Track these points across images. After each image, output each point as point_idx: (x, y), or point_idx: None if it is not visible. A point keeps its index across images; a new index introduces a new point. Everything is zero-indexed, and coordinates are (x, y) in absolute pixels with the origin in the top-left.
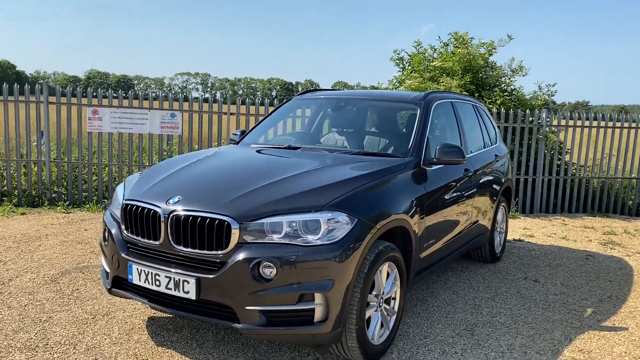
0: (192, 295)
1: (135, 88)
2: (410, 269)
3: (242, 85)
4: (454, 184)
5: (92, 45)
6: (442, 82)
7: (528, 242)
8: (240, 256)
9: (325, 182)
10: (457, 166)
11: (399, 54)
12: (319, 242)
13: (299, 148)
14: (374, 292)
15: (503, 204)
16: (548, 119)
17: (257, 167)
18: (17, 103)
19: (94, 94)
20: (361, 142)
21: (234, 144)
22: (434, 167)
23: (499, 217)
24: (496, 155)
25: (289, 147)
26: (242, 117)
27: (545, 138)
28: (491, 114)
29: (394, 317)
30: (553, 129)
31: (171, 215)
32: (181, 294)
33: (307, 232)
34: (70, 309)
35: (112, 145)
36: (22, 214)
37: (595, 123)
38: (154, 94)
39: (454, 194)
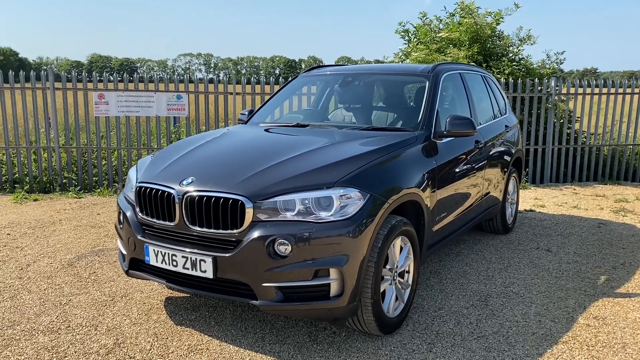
0: (210, 274)
1: (139, 71)
2: (423, 242)
3: (245, 64)
4: (465, 156)
5: (93, 29)
6: (449, 53)
7: (539, 212)
8: (255, 234)
9: (336, 159)
10: (468, 138)
11: (404, 26)
12: (332, 219)
13: (308, 125)
14: (387, 266)
15: (514, 174)
16: (557, 88)
17: (267, 146)
18: (24, 90)
19: (100, 78)
20: (370, 117)
21: (242, 123)
22: (445, 140)
23: (510, 188)
24: (506, 126)
25: (297, 125)
26: (247, 96)
27: (554, 107)
28: (500, 84)
29: (408, 290)
30: (562, 97)
31: (185, 196)
32: (198, 273)
33: (320, 208)
34: (88, 292)
35: (119, 129)
36: (35, 200)
37: (604, 90)
38: (159, 76)
39: (465, 167)
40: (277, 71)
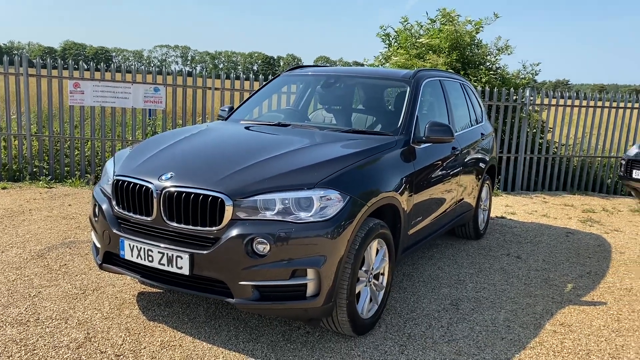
0: (186, 271)
1: (114, 60)
2: (399, 245)
3: (223, 58)
4: (442, 162)
5: (68, 16)
6: (429, 59)
7: (510, 219)
8: (234, 232)
9: (318, 160)
10: (445, 145)
11: (385, 30)
12: (312, 219)
13: (289, 125)
14: (363, 268)
15: (487, 181)
16: (532, 98)
17: (248, 144)
18: None
19: (75, 66)
20: (350, 119)
21: (222, 120)
22: (423, 146)
23: (483, 194)
24: (482, 134)
25: (278, 124)
26: (226, 92)
27: (528, 116)
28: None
29: (382, 292)
30: (536, 107)
31: (164, 191)
32: (174, 270)
33: (299, 209)
34: (59, 284)
35: (94, 120)
36: (4, 188)
37: (577, 102)
38: (137, 68)
39: (442, 172)
40: (255, 67)
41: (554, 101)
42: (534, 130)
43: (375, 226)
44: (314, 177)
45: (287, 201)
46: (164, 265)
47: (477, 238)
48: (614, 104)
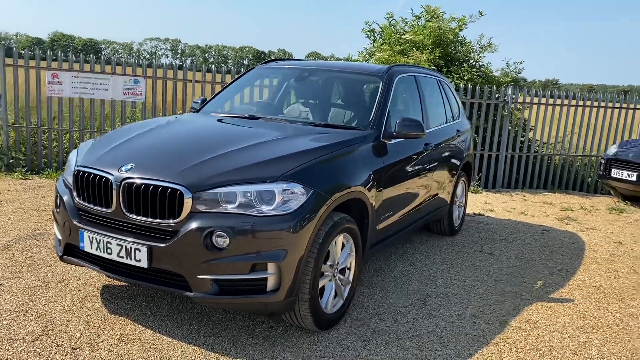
0: (144, 264)
1: (103, 52)
2: (367, 240)
3: (214, 52)
4: (414, 157)
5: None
6: (412, 55)
7: (488, 216)
8: (193, 225)
9: (282, 153)
10: (418, 140)
11: (370, 25)
12: (274, 213)
13: (260, 118)
14: (328, 263)
15: (463, 178)
16: (514, 96)
17: (214, 136)
18: None
19: (54, 57)
20: (323, 113)
21: (194, 112)
22: (394, 141)
23: (459, 191)
24: (458, 131)
25: (249, 117)
26: (207, 85)
27: (510, 115)
28: (458, 90)
29: (348, 287)
30: (518, 106)
31: (123, 182)
32: (133, 262)
33: (261, 202)
34: (22, 277)
35: (73, 111)
36: None
37: (559, 101)
38: (117, 59)
39: (413, 168)
40: (245, 62)
41: (535, 99)
42: (516, 129)
43: (340, 221)
44: (277, 171)
45: (248, 194)
46: (122, 257)
47: (452, 234)
48: (595, 103)
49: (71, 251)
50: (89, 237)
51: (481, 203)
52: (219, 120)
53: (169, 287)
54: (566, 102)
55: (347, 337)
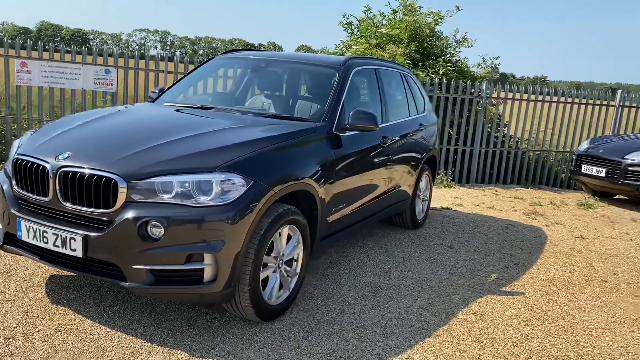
0: (79, 253)
1: (91, 43)
2: (317, 232)
3: (203, 44)
4: (370, 150)
5: None
6: (388, 49)
7: (455, 210)
8: (128, 215)
9: (225, 144)
10: (374, 133)
11: (347, 18)
12: (211, 203)
13: (212, 108)
14: (272, 254)
15: (427, 172)
16: (488, 91)
17: (159, 125)
18: None
19: (23, 45)
20: (277, 105)
21: (150, 101)
22: (348, 133)
23: (422, 185)
24: (421, 124)
25: (202, 107)
26: (179, 75)
27: (484, 110)
28: (433, 84)
29: (295, 279)
30: (493, 101)
31: (59, 171)
32: (68, 252)
33: (199, 192)
34: None
35: (41, 101)
36: None
37: (533, 97)
38: (87, 49)
39: (369, 161)
40: None
41: (510, 95)
42: (490, 124)
43: (285, 212)
44: (216, 161)
45: (186, 184)
46: (58, 247)
47: (414, 227)
48: (570, 100)
49: (11, 240)
50: (26, 226)
51: (452, 197)
52: (171, 110)
53: (104, 276)
54: (540, 97)
55: (290, 328)
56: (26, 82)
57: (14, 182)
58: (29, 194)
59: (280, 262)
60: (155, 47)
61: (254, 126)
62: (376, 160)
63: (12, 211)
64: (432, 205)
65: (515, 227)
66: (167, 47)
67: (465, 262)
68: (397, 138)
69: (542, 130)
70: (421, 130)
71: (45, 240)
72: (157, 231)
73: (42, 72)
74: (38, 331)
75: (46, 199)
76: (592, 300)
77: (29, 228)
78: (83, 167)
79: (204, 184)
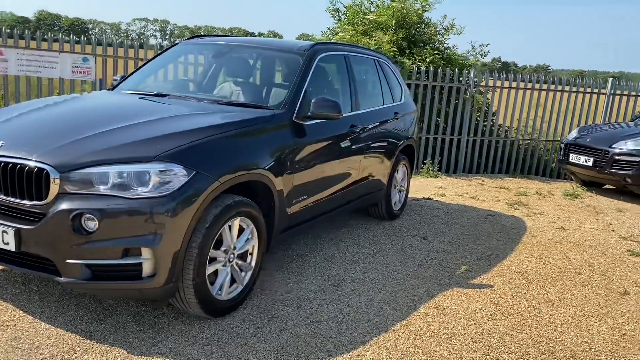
0: (12, 247)
1: (90, 33)
2: (274, 225)
3: (203, 33)
4: (336, 139)
5: None
6: (375, 36)
7: (437, 200)
8: (60, 207)
9: (169, 132)
10: (341, 121)
11: (334, 4)
12: (149, 195)
13: (167, 95)
14: (222, 248)
15: (404, 162)
16: (476, 79)
17: (105, 113)
18: None
19: None
20: (238, 91)
21: (109, 89)
22: (312, 122)
23: (399, 175)
24: (396, 113)
25: (157, 94)
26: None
27: (472, 98)
28: (419, 72)
29: (249, 273)
30: (481, 89)
31: None
32: (1, 245)
33: (137, 183)
34: None
35: (18, 89)
36: None
37: (522, 85)
38: (64, 37)
39: (335, 150)
40: None
41: (498, 83)
42: (478, 113)
43: (234, 204)
44: (155, 150)
45: (123, 175)
46: None
47: (391, 218)
48: (560, 88)
49: None
50: None
51: (435, 187)
52: (123, 98)
53: (39, 271)
54: (530, 85)
55: (241, 324)
56: (1, 71)
57: None
58: None
59: (232, 256)
60: (155, 37)
61: (205, 114)
62: (344, 149)
63: None
64: (414, 195)
65: (495, 218)
66: (167, 37)
67: (437, 254)
68: (369, 127)
69: (532, 118)
70: (396, 119)
71: None
72: (91, 224)
73: (18, 61)
74: None
75: None
76: (562, 294)
77: None
78: (14, 157)
79: (142, 175)
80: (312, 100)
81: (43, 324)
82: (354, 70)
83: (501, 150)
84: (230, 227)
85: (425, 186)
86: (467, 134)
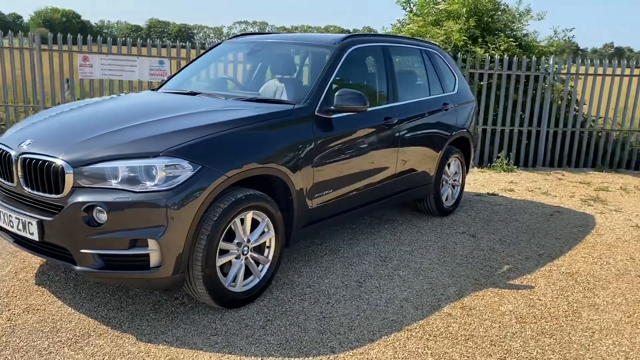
0: (36, 237)
1: (195, 38)
2: (293, 219)
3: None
4: (367, 132)
5: None
6: (445, 26)
7: (502, 196)
8: (74, 200)
9: (180, 128)
10: (372, 114)
11: None
12: (155, 189)
13: (198, 93)
14: (235, 240)
15: (456, 155)
16: (556, 67)
17: (130, 112)
18: (12, 50)
19: (84, 40)
20: (268, 87)
21: (153, 89)
22: (338, 115)
23: (451, 169)
24: (445, 104)
25: (190, 93)
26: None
27: (551, 87)
28: (493, 61)
29: (267, 265)
30: (562, 77)
31: (20, 157)
32: (28, 235)
33: (145, 178)
34: None
35: (104, 93)
36: None
37: (610, 70)
38: (142, 42)
39: (366, 143)
40: None
41: (582, 69)
42: (560, 102)
43: (245, 197)
44: (162, 145)
45: (132, 169)
46: (20, 230)
47: (442, 215)
48: None
49: None
50: None
51: (506, 182)
52: (155, 97)
53: (59, 259)
54: (619, 71)
55: (254, 316)
56: (88, 76)
57: None
58: (2, 180)
59: (246, 248)
60: None
61: (224, 110)
62: (376, 142)
63: None
64: (477, 190)
65: (562, 215)
66: None
67: (481, 252)
68: (409, 118)
69: (622, 107)
70: (445, 110)
71: (11, 224)
72: (102, 216)
73: (101, 66)
74: (8, 310)
75: (13, 185)
76: (612, 297)
77: (0, 212)
78: (37, 153)
79: (149, 169)
80: (336, 93)
81: (70, 309)
82: (393, 62)
83: (586, 142)
84: (242, 220)
85: (494, 181)
86: (546, 125)
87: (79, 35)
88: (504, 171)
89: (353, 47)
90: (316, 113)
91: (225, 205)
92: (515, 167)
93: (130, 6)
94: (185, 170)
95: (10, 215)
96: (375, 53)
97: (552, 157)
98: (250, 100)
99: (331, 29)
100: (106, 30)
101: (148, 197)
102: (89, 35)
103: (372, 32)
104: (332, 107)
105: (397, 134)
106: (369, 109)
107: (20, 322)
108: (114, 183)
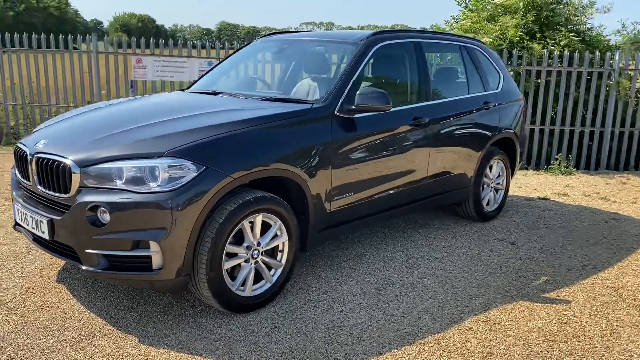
0: (47, 235)
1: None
2: (309, 223)
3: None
4: (393, 133)
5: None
6: (500, 22)
7: (554, 200)
8: (80, 200)
9: (189, 128)
10: (399, 113)
11: None
12: (158, 190)
13: (220, 93)
14: (244, 244)
15: (499, 157)
16: (623, 62)
17: (143, 113)
18: (72, 53)
19: (138, 43)
20: (292, 86)
21: (182, 90)
22: (361, 115)
23: (493, 171)
24: (486, 103)
25: (212, 93)
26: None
27: (617, 84)
28: (552, 57)
29: (280, 270)
30: (630, 73)
31: (34, 157)
32: (40, 233)
33: (149, 178)
34: (15, 244)
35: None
36: None
37: None
38: (192, 43)
39: (391, 144)
40: None
41: None
42: (626, 99)
43: (254, 200)
44: (165, 146)
45: (136, 169)
46: (34, 229)
47: (482, 219)
48: None
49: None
50: (16, 208)
51: (561, 186)
52: (176, 97)
53: (67, 258)
54: None
55: (261, 322)
56: (142, 77)
57: (15, 169)
58: (22, 179)
59: (256, 252)
60: None
61: (239, 110)
62: (404, 143)
63: (14, 194)
64: (528, 194)
65: (618, 222)
66: None
67: (518, 262)
68: (443, 118)
69: None
70: (486, 109)
71: (27, 222)
72: (106, 216)
73: (154, 67)
74: (24, 307)
75: (29, 183)
76: None
77: (18, 210)
78: (48, 154)
79: (152, 170)
80: (357, 92)
81: (82, 307)
82: (426, 59)
83: None
84: (252, 223)
85: (549, 184)
86: (611, 125)
87: (133, 38)
88: (562, 174)
89: (381, 44)
90: (336, 113)
91: (232, 208)
92: (575, 169)
93: (202, 9)
94: (190, 171)
95: (26, 214)
96: (407, 50)
97: (617, 159)
98: (270, 99)
99: (398, 26)
100: (179, 34)
101: (150, 198)
102: (142, 38)
103: (408, 29)
104: (354, 107)
105: (429, 134)
106: (396, 109)
107: (32, 319)
108: (119, 183)
